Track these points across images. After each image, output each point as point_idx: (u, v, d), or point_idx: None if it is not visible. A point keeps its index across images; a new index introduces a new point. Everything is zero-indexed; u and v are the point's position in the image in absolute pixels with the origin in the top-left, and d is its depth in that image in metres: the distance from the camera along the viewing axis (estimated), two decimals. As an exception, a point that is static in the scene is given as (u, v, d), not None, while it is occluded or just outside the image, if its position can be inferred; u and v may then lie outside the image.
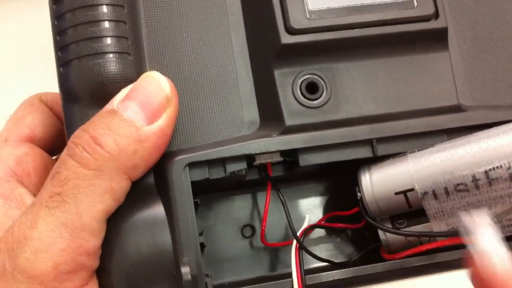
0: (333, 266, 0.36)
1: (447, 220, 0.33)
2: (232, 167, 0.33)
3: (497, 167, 0.31)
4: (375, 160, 0.34)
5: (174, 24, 0.35)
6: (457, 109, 0.35)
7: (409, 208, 0.34)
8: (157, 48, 0.35)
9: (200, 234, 0.34)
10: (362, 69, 0.35)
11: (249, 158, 0.33)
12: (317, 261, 0.36)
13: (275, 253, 0.38)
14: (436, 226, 0.34)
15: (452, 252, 0.34)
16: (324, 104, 0.34)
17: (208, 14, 0.35)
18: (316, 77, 0.34)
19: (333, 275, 0.33)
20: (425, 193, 0.33)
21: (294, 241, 0.33)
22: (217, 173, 0.33)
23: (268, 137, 0.33)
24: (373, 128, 0.34)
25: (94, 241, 0.31)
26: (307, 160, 0.34)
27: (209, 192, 0.37)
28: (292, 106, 0.34)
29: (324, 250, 0.38)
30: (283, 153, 0.34)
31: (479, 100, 0.36)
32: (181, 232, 0.32)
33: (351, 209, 0.36)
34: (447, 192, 0.32)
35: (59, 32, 0.34)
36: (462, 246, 0.33)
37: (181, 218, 0.32)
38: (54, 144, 0.39)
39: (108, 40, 0.33)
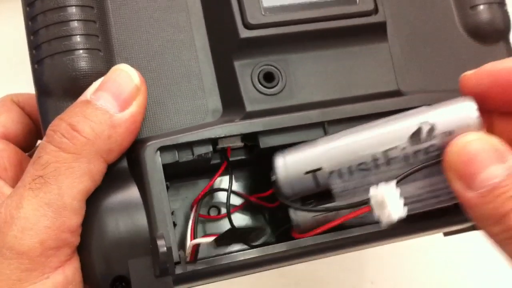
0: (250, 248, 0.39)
1: (350, 199, 0.37)
2: (199, 150, 0.36)
3: (394, 148, 0.35)
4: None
5: (140, 23, 0.38)
6: (397, 93, 0.39)
7: (317, 188, 0.37)
8: (126, 45, 0.38)
9: (172, 214, 0.37)
10: (313, 60, 0.39)
11: (214, 142, 0.37)
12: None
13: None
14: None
15: (358, 228, 0.38)
16: (280, 92, 0.38)
17: (172, 13, 0.39)
18: (272, 67, 0.38)
19: (242, 255, 0.37)
20: (332, 172, 0.36)
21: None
22: (185, 156, 0.36)
23: (231, 122, 0.37)
24: (324, 112, 0.37)
25: (75, 219, 0.33)
26: (266, 142, 0.37)
27: (176, 178, 0.40)
28: (251, 94, 0.38)
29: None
30: (244, 138, 0.37)
31: (418, 86, 0.41)
32: (155, 210, 0.34)
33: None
34: (350, 171, 0.36)
35: (33, 32, 0.37)
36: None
37: (155, 197, 0.35)
38: (26, 141, 0.41)
39: (79, 38, 0.36)
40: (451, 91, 0.40)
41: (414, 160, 0.35)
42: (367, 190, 0.36)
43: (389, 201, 0.31)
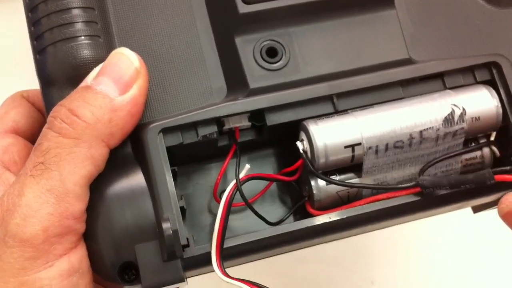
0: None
1: (376, 175, 0.37)
2: (203, 131, 0.35)
3: (429, 128, 0.36)
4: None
5: (140, 7, 0.38)
6: (408, 62, 0.38)
7: (351, 162, 0.36)
8: (125, 31, 0.38)
9: (180, 198, 0.36)
10: (317, 32, 0.37)
11: (218, 122, 0.36)
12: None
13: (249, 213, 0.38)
14: (365, 180, 0.37)
15: (377, 203, 0.36)
16: (284, 67, 0.37)
17: None
18: (275, 42, 0.37)
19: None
20: (370, 148, 0.35)
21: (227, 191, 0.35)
22: (190, 138, 0.35)
23: (235, 100, 0.36)
24: (331, 84, 0.36)
25: (79, 205, 0.33)
26: (273, 119, 0.36)
27: (186, 163, 0.39)
28: (254, 71, 0.37)
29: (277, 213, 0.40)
30: (251, 117, 0.36)
31: (429, 53, 0.39)
32: (159, 193, 0.34)
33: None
34: (386, 148, 0.36)
35: (33, 22, 0.37)
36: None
37: (159, 180, 0.34)
38: (36, 136, 0.41)
39: (79, 25, 0.36)
40: (465, 58, 0.39)
41: (442, 142, 0.36)
42: (394, 168, 0.36)
43: None
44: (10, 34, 0.42)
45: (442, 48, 0.39)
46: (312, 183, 0.37)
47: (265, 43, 0.37)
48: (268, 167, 0.40)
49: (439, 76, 0.38)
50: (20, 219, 0.32)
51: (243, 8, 0.36)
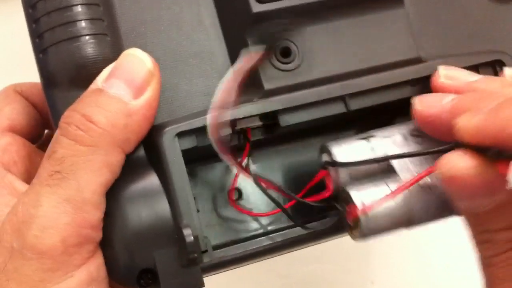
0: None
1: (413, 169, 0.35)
2: None
3: None
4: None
5: (145, 3, 0.37)
6: (417, 60, 0.38)
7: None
8: (132, 28, 0.36)
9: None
10: (329, 31, 0.37)
11: (233, 124, 0.35)
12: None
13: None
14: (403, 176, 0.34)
15: None
16: (298, 67, 0.36)
17: None
18: (288, 41, 0.36)
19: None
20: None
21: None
22: (204, 140, 0.35)
23: (250, 101, 0.35)
24: (343, 85, 0.36)
25: (96, 214, 0.32)
26: (287, 120, 0.36)
27: (194, 162, 0.39)
28: (268, 71, 0.36)
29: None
30: (263, 117, 0.36)
31: (436, 51, 0.39)
32: (178, 198, 0.33)
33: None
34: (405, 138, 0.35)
35: (34, 20, 0.35)
36: None
37: (177, 185, 0.33)
38: (33, 132, 0.40)
39: (84, 23, 0.35)
40: (470, 56, 0.39)
41: None
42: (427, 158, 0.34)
43: None
44: (10, 34, 0.40)
45: (448, 45, 0.40)
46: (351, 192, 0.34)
47: (278, 42, 0.36)
48: (277, 165, 0.40)
49: None
50: (37, 230, 0.31)
51: (256, 7, 0.35)
